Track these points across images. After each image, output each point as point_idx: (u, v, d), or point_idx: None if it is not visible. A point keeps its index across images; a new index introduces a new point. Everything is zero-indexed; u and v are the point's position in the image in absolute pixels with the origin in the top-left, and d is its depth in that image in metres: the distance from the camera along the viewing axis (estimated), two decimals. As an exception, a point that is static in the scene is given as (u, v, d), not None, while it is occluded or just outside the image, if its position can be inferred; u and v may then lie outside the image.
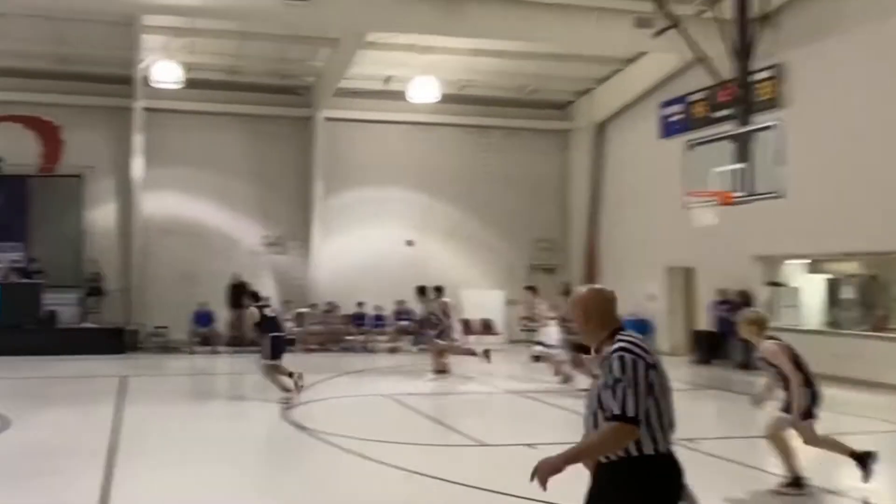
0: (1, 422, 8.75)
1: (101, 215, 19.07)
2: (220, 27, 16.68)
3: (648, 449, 2.92)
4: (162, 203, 19.07)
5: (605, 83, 20.20)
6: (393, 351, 18.46)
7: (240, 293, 13.17)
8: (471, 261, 20.05)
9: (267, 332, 10.37)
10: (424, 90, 18.29)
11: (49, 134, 18.84)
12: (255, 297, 10.91)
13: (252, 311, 10.58)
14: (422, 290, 14.20)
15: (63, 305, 17.72)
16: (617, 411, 2.88)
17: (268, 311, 10.72)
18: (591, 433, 2.99)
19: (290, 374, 10.39)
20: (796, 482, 6.14)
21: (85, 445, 7.71)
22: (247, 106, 19.61)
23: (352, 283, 19.17)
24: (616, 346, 3.02)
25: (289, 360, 10.89)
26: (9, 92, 17.99)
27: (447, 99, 18.96)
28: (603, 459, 3.00)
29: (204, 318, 17.90)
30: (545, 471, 2.91)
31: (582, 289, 3.37)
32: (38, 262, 17.89)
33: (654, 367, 2.99)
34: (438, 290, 13.79)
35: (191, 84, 17.82)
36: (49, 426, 8.83)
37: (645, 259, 18.35)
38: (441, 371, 13.07)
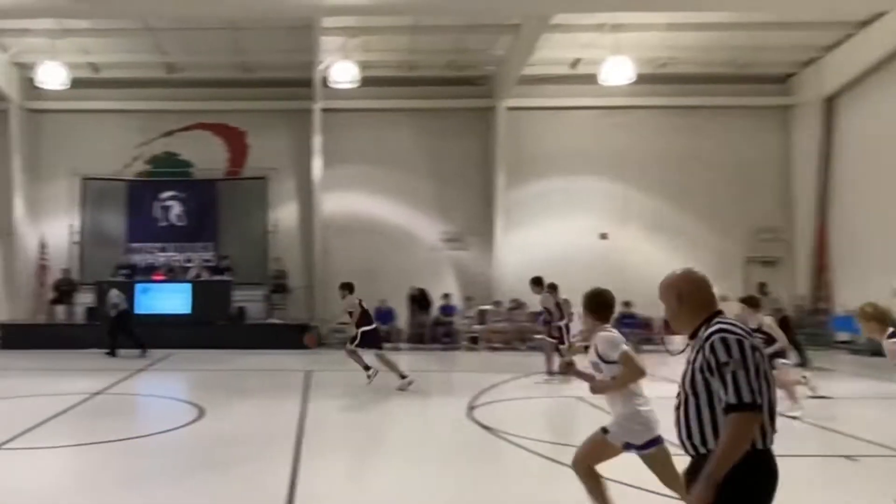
0: (196, 411, 9.55)
1: (284, 215, 20.11)
2: (393, 24, 16.73)
3: (758, 442, 2.83)
4: (340, 202, 19.78)
5: (833, 51, 18.11)
6: (587, 350, 17.61)
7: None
8: (675, 254, 18.61)
9: (361, 325, 11.50)
10: (617, 71, 17.11)
11: (235, 139, 20.16)
12: (351, 288, 11.74)
13: (353, 301, 11.62)
14: (537, 282, 13.45)
15: (250, 302, 19.06)
16: (733, 400, 2.78)
17: (365, 304, 11.81)
18: (721, 438, 2.83)
19: (367, 368, 11.56)
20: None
21: (274, 436, 8.16)
22: (423, 101, 19.66)
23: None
24: (714, 327, 2.93)
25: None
26: (198, 101, 19.51)
27: (643, 79, 17.71)
28: (701, 450, 2.90)
29: (384, 315, 18.24)
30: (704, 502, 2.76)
31: (675, 271, 3.24)
32: (227, 260, 19.28)
33: (758, 349, 2.89)
34: (553, 287, 13.26)
35: (366, 82, 18.04)
36: (239, 416, 9.41)
37: (888, 251, 16.38)
38: (554, 373, 12.38)
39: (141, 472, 6.91)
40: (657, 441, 4.59)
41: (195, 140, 20.22)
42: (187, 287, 18.44)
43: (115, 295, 16.23)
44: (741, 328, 2.95)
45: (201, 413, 9.47)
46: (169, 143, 20.28)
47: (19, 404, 10.31)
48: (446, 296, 19.28)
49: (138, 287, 18.42)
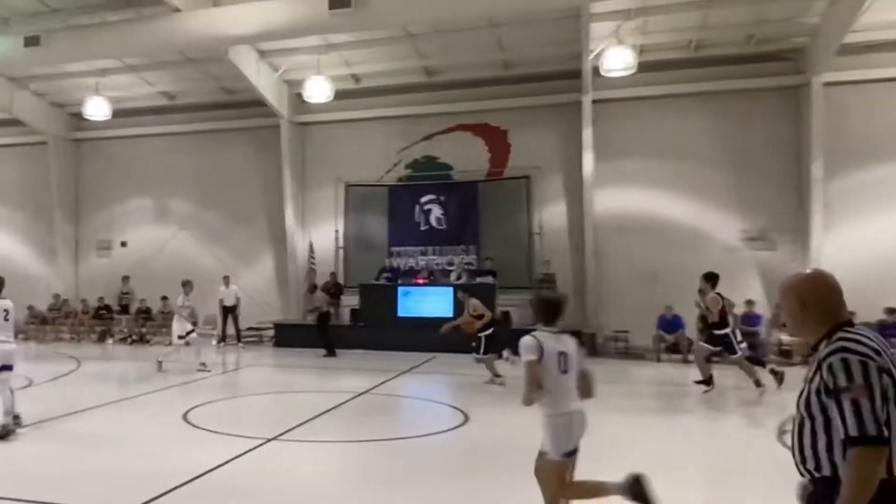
0: (461, 416, 9.67)
1: (549, 215, 18.76)
2: (678, 0, 14.64)
3: (884, 472, 2.54)
4: (613, 198, 17.95)
5: None
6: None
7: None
8: None
9: (483, 330, 12.52)
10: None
11: (496, 138, 18.98)
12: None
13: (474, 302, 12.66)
14: (709, 278, 11.79)
15: (515, 306, 17.81)
16: (854, 433, 2.55)
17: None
18: (845, 477, 2.57)
19: (498, 376, 12.31)
20: None
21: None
22: (713, 82, 17.02)
23: (873, 284, 14.95)
24: (835, 345, 2.69)
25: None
26: (457, 103, 18.70)
27: None
28: (816, 475, 2.73)
29: (671, 322, 16.47)
30: None
31: (799, 273, 2.96)
32: (491, 262, 18.39)
33: (888, 371, 2.61)
34: (710, 277, 11.69)
35: (643, 68, 15.80)
36: (505, 423, 8.98)
37: None
38: (704, 382, 11.47)
39: (406, 472, 7.19)
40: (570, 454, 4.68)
41: (455, 142, 19.41)
42: (449, 290, 17.71)
43: (318, 298, 17.75)
44: (868, 345, 2.65)
45: (466, 418, 9.57)
46: (428, 146, 19.69)
47: (295, 399, 11.43)
48: (749, 302, 16.56)
49: (400, 290, 18.30)
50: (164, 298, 20.23)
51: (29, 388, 11.73)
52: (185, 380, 13.03)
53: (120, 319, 21.21)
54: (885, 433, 2.54)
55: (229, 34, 15.82)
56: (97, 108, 19.94)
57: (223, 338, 19.19)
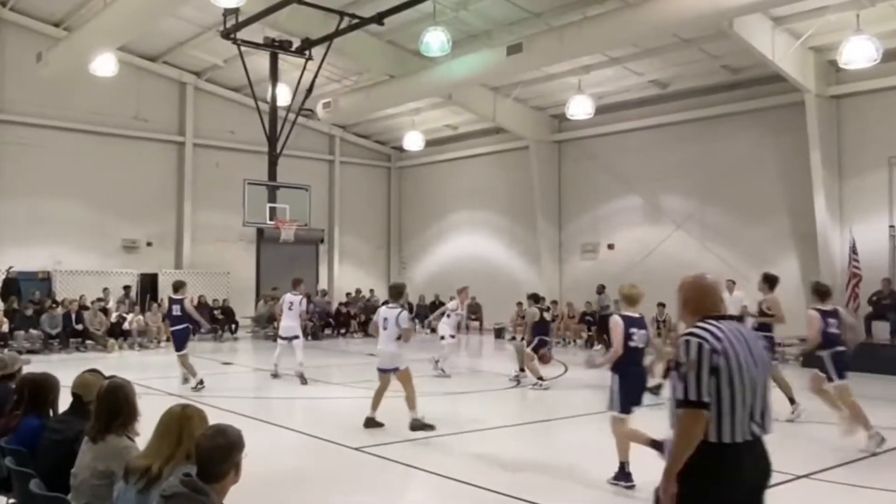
0: None
1: None
2: None
3: (711, 435, 3.23)
4: None
5: None
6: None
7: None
8: None
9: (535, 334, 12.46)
10: None
11: None
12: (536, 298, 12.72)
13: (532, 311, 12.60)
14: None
15: None
16: (680, 397, 3.28)
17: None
18: (673, 433, 3.35)
19: None
20: None
21: None
22: None
23: None
24: (688, 331, 3.42)
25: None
26: None
27: None
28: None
29: None
30: (668, 498, 3.27)
31: (688, 276, 3.71)
32: None
33: (724, 353, 3.27)
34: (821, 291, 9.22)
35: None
36: None
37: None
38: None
39: None
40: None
41: None
42: None
43: None
44: (712, 332, 3.32)
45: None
46: None
47: (835, 432, 9.23)
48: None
49: None
50: (661, 305, 18.48)
51: (517, 388, 13.10)
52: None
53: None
54: (706, 400, 3.23)
55: (736, 4, 13.87)
56: (580, 107, 19.30)
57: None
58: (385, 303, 11.83)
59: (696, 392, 3.21)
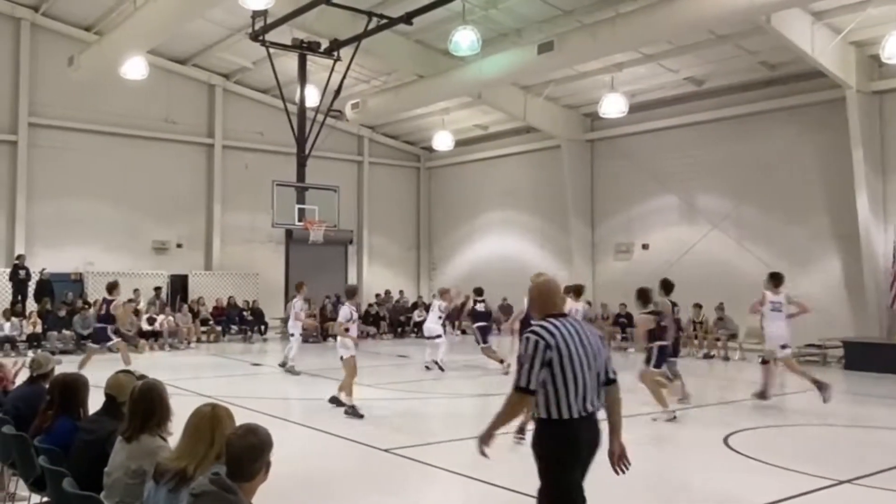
0: None
1: None
2: None
3: (553, 413, 4.07)
4: None
5: None
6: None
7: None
8: None
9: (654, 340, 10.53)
10: None
11: None
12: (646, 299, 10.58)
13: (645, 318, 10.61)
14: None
15: None
16: (514, 383, 4.10)
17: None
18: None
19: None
20: None
21: None
22: None
23: None
24: (529, 328, 4.18)
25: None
26: None
27: None
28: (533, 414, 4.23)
29: None
30: (482, 442, 4.23)
31: (535, 279, 4.72)
32: None
33: (556, 348, 4.03)
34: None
35: None
36: None
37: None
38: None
39: None
40: None
41: None
42: None
43: None
44: (548, 329, 4.08)
45: None
46: None
47: (878, 437, 9.68)
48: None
49: None
50: (698, 306, 18.26)
51: None
52: (725, 398, 12.89)
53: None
54: (532, 388, 4.03)
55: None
56: (613, 105, 19.16)
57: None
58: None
59: (526, 380, 4.01)
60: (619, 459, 4.25)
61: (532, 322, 4.23)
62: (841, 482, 7.04)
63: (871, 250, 16.73)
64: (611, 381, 4.23)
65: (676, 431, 9.91)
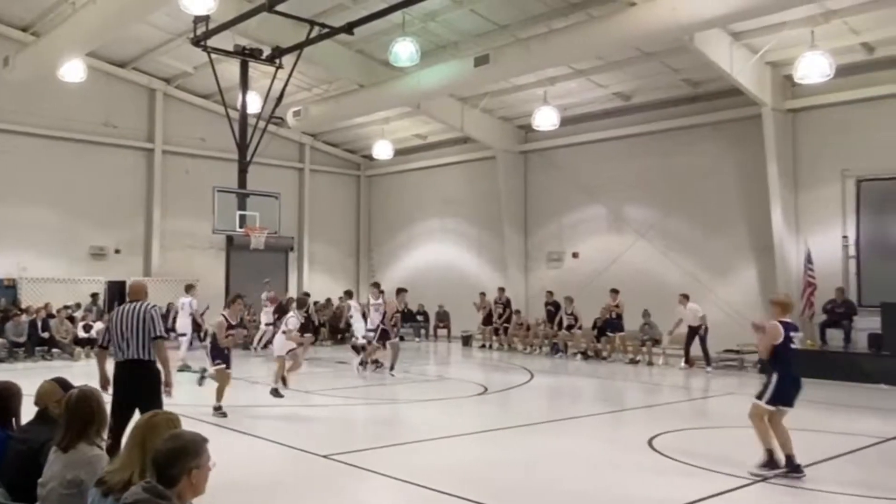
0: None
1: None
2: None
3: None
4: None
5: None
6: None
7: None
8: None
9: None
10: None
11: None
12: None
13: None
14: None
15: None
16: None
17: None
18: None
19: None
20: None
21: None
22: None
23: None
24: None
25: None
26: None
27: None
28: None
29: None
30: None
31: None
32: None
33: (112, 317, 7.08)
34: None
35: None
36: None
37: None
38: None
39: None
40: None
41: None
42: None
43: None
44: (117, 310, 7.09)
45: None
46: None
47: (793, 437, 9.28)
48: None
49: None
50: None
51: (485, 394, 13.15)
52: (649, 402, 13.01)
53: (571, 335, 20.08)
54: (105, 344, 7.08)
55: (696, 19, 13.97)
56: (546, 118, 19.39)
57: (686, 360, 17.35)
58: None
59: (103, 339, 7.15)
60: None
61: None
62: (756, 481, 7.22)
63: (784, 261, 17.23)
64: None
65: (603, 434, 10.10)
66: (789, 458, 7.34)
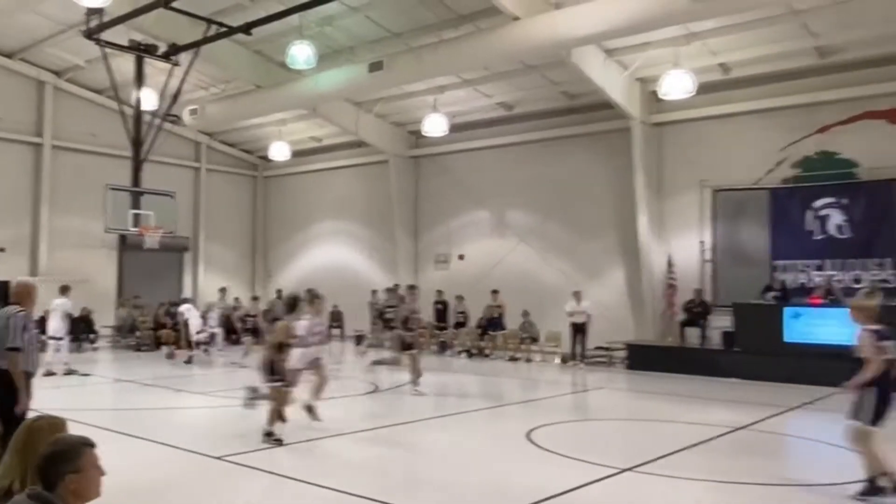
0: None
1: None
2: None
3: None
4: None
5: None
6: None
7: None
8: None
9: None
10: None
11: None
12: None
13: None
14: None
15: None
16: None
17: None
18: None
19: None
20: None
21: None
22: None
23: None
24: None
25: None
26: (862, 86, 15.17)
27: None
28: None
29: None
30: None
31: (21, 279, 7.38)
32: None
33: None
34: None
35: None
36: None
37: None
38: None
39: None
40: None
41: (860, 133, 15.70)
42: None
43: None
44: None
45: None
46: (824, 140, 16.18)
47: (654, 428, 10.40)
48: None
49: (787, 312, 15.37)
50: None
51: (374, 393, 13.20)
52: (527, 398, 13.46)
53: (458, 333, 20.59)
54: (21, 346, 6.44)
55: (573, 36, 14.58)
56: (435, 125, 19.81)
57: (573, 356, 17.92)
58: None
59: (20, 341, 6.42)
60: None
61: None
62: (623, 470, 7.52)
63: (649, 264, 18.16)
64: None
65: (483, 427, 10.39)
66: (872, 479, 6.37)
